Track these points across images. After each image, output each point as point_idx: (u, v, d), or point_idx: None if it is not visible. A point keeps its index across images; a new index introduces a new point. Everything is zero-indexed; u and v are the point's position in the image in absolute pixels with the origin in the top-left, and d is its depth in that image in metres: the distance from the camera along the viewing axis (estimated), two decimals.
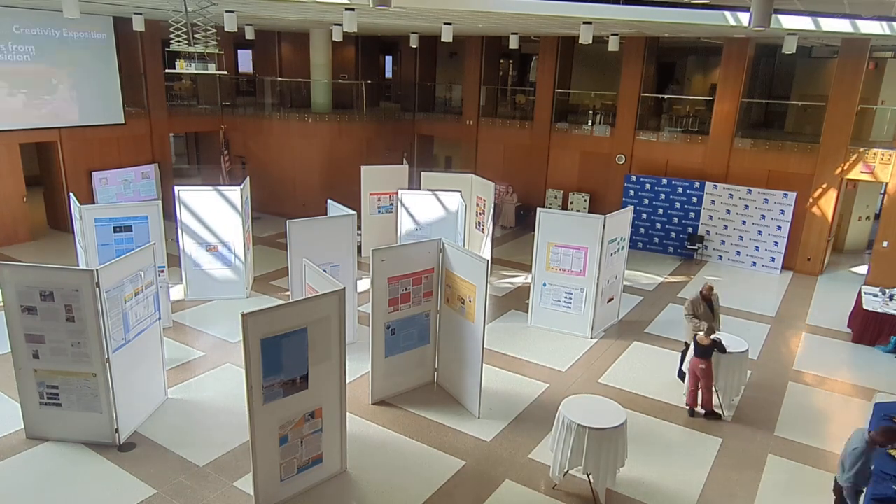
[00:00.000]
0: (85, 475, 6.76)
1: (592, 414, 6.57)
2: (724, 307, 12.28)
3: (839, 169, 13.95)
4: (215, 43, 9.85)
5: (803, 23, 10.34)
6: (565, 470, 6.61)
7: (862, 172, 13.84)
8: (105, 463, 6.95)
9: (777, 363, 10.14)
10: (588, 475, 6.62)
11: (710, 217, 15.26)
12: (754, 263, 14.85)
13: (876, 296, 11.36)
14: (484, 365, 7.96)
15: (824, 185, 14.17)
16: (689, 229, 15.52)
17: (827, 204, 14.23)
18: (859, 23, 10.29)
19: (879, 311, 10.84)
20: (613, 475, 6.59)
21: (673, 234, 15.81)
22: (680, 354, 9.39)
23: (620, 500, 6.72)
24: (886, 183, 13.59)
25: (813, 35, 12.70)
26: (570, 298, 10.49)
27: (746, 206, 14.72)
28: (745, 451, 7.69)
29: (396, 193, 13.13)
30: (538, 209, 10.70)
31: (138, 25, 13.55)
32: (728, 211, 15.00)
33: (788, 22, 10.28)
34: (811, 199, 14.31)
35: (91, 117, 15.47)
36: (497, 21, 12.93)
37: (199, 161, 21.46)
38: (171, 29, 9.65)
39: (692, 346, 8.26)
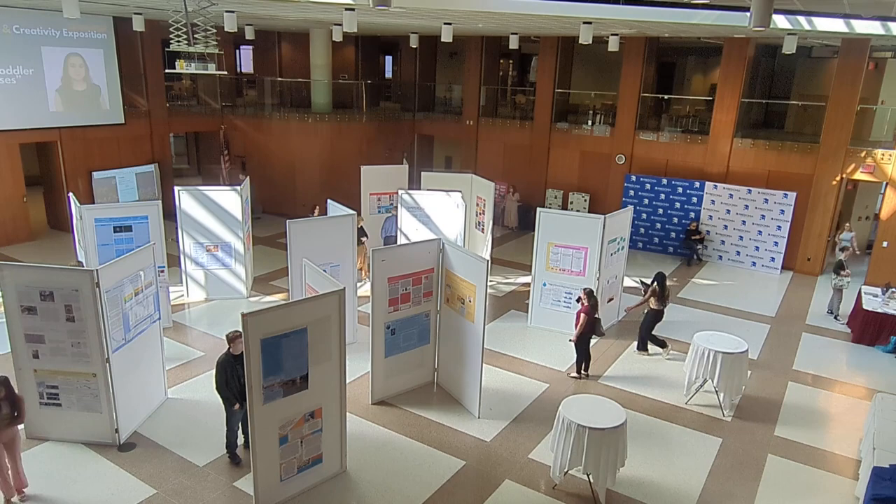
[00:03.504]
0: (85, 475, 6.76)
1: (592, 414, 6.57)
2: (724, 307, 12.35)
3: (839, 169, 13.96)
4: (215, 43, 9.85)
5: (805, 23, 10.35)
6: (565, 470, 6.61)
7: (862, 172, 13.85)
8: (105, 463, 6.95)
9: (777, 363, 10.14)
10: (588, 475, 6.64)
11: (710, 217, 15.26)
12: (754, 263, 14.86)
13: (876, 296, 11.37)
14: (484, 365, 7.96)
15: (824, 185, 14.17)
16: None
17: (827, 204, 14.23)
18: (858, 23, 10.29)
19: (879, 311, 10.84)
20: (613, 475, 6.58)
21: (673, 234, 15.81)
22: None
23: (620, 500, 6.72)
24: (886, 183, 13.60)
25: (813, 35, 12.70)
26: (570, 298, 10.48)
27: (746, 207, 14.72)
28: (745, 451, 7.69)
29: (396, 193, 13.13)
30: (538, 209, 10.71)
31: (138, 25, 13.54)
32: (728, 211, 15.00)
33: (787, 23, 10.29)
34: (811, 199, 14.31)
35: (91, 117, 15.48)
36: (497, 21, 12.92)
37: (199, 161, 21.45)
38: (171, 29, 9.65)
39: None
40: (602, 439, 6.37)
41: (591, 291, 9.16)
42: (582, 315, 8.97)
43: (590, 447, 6.38)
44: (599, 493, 6.61)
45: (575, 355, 9.34)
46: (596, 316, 9.10)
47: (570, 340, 9.32)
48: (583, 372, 9.34)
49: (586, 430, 6.37)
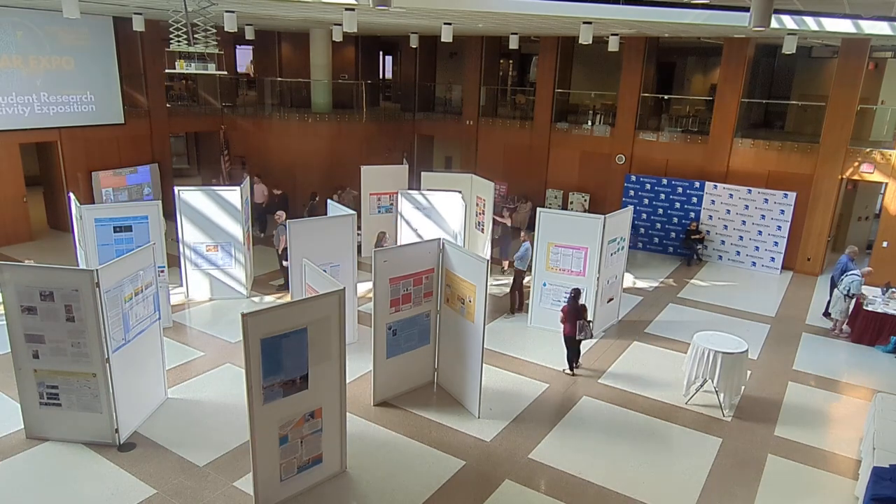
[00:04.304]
0: (85, 475, 6.76)
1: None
2: (724, 307, 12.36)
3: (839, 169, 13.96)
4: (215, 43, 9.85)
5: (813, 23, 10.34)
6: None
7: (862, 172, 13.85)
8: (105, 463, 6.95)
9: (777, 363, 10.14)
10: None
11: (710, 217, 15.26)
12: (754, 263, 14.86)
13: (876, 296, 11.36)
14: (484, 365, 7.96)
15: (824, 185, 14.17)
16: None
17: (827, 204, 14.23)
18: (866, 23, 10.28)
19: (879, 311, 10.84)
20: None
21: (673, 234, 15.81)
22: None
23: (620, 500, 6.72)
24: (886, 183, 13.60)
25: (813, 35, 12.70)
26: None
27: (746, 207, 14.72)
28: (745, 451, 7.69)
29: (396, 193, 13.15)
30: (538, 209, 10.71)
31: (138, 25, 13.55)
32: (728, 211, 15.00)
33: (789, 22, 10.28)
34: (811, 199, 14.31)
35: (91, 117, 15.47)
36: (497, 21, 12.93)
37: (199, 161, 21.46)
38: (171, 29, 9.65)
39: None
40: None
41: (576, 293, 9.25)
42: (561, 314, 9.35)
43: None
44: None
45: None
46: (582, 321, 9.12)
47: (567, 373, 9.56)
48: (576, 367, 9.52)
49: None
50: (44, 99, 14.51)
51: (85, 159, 15.49)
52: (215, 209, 11.22)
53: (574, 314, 9.15)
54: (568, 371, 9.47)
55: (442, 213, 12.49)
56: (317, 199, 14.94)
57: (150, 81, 16.85)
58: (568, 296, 9.34)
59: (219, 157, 18.30)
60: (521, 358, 9.84)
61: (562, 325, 9.32)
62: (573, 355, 9.45)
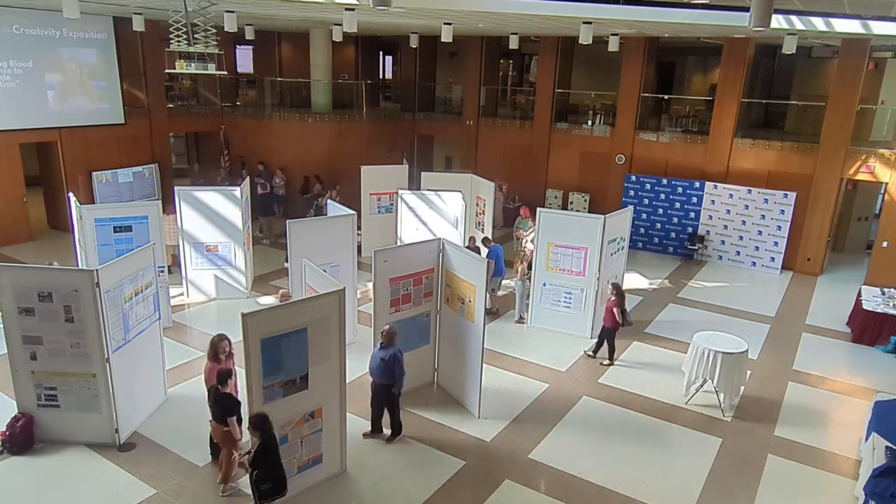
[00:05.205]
0: (85, 475, 6.76)
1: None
2: (724, 307, 12.35)
3: (839, 169, 13.95)
4: (215, 43, 9.85)
5: (804, 23, 10.34)
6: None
7: (862, 172, 13.84)
8: (105, 463, 6.95)
9: (777, 363, 10.14)
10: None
11: (710, 217, 15.25)
12: (754, 263, 14.86)
13: (876, 296, 11.36)
14: (484, 365, 7.96)
15: (824, 185, 14.16)
16: (689, 229, 15.52)
17: (827, 204, 14.22)
18: (861, 23, 10.27)
19: (879, 311, 10.84)
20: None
21: (673, 234, 15.81)
22: None
23: (620, 500, 6.72)
24: (886, 183, 13.59)
25: (813, 35, 12.70)
26: (570, 298, 10.49)
27: (746, 207, 14.72)
28: (745, 452, 7.69)
29: (396, 193, 13.15)
30: (538, 209, 10.71)
31: (138, 25, 13.54)
32: (728, 211, 15.00)
33: (795, 22, 10.27)
34: (811, 199, 14.31)
35: (91, 117, 15.47)
36: (497, 21, 12.93)
37: (199, 161, 21.45)
38: (171, 29, 9.65)
39: None
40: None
41: (618, 285, 9.68)
42: (614, 309, 9.45)
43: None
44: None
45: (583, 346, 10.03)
46: (624, 307, 9.60)
47: (587, 354, 9.99)
48: (615, 360, 9.84)
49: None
50: (44, 99, 14.47)
51: (85, 159, 15.48)
52: (215, 209, 11.22)
53: (620, 306, 9.49)
54: (608, 362, 9.75)
55: (442, 210, 12.50)
56: (320, 199, 14.94)
57: (150, 81, 16.84)
58: (613, 291, 9.56)
59: (219, 156, 18.30)
60: (521, 358, 9.84)
61: (604, 319, 9.68)
62: (613, 346, 9.79)
